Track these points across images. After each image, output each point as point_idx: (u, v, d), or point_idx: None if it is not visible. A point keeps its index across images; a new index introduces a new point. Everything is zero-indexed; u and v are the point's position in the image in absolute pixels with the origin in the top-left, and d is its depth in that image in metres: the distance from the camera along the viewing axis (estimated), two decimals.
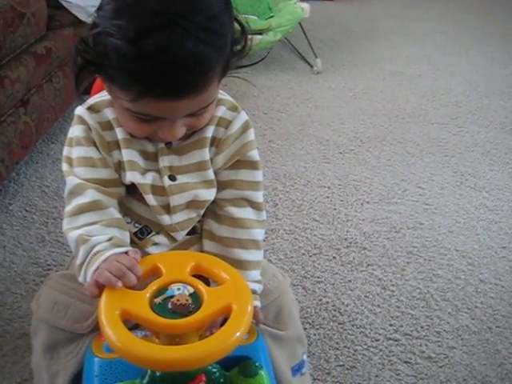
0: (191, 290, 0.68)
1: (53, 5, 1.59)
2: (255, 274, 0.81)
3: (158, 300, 0.66)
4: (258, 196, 0.84)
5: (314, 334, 1.14)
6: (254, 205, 0.83)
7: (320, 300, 1.23)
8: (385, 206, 1.57)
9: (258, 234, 0.83)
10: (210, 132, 0.79)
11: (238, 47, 0.72)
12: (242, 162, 0.82)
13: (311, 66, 2.47)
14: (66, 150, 0.79)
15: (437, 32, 3.03)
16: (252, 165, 0.83)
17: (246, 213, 0.82)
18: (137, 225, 0.82)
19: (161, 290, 0.68)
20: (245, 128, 0.82)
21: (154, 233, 0.82)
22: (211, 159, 0.80)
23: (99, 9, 0.67)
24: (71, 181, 0.77)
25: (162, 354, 0.61)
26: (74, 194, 0.76)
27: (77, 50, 0.69)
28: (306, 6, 2.40)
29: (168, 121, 0.69)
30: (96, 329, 0.78)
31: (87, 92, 0.91)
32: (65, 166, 0.79)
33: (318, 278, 1.29)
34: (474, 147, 1.89)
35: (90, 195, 0.75)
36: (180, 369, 0.62)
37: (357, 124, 2.01)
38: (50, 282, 0.87)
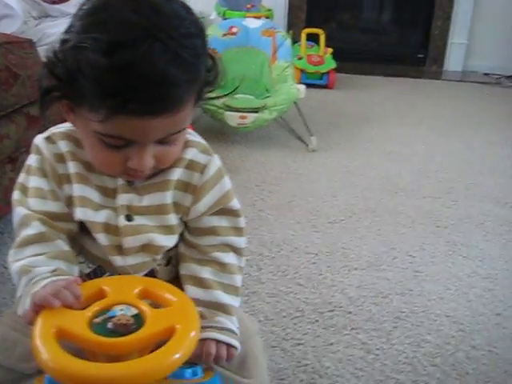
0: (135, 311, 0.64)
1: None
2: (236, 319, 0.78)
3: (98, 320, 0.63)
4: (241, 242, 0.82)
5: None
6: (237, 250, 0.81)
7: (299, 362, 1.16)
8: (373, 272, 1.52)
9: (239, 280, 0.81)
10: (175, 175, 0.77)
11: (210, 77, 0.72)
12: (224, 210, 0.81)
13: (306, 145, 2.51)
14: (21, 177, 0.78)
15: (433, 117, 3.09)
16: (234, 213, 0.81)
17: (230, 258, 0.80)
18: (90, 265, 0.79)
19: (103, 311, 0.64)
20: (220, 174, 0.80)
21: (107, 274, 0.79)
22: (188, 207, 0.78)
23: (69, 27, 0.67)
24: (19, 212, 0.75)
25: (94, 371, 0.57)
26: (22, 226, 0.74)
27: (45, 67, 0.67)
28: (301, 87, 2.48)
29: (138, 147, 0.67)
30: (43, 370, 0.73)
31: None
32: (16, 195, 0.77)
33: (299, 340, 1.23)
34: (467, 219, 1.86)
35: (35, 227, 0.73)
36: None
37: (348, 197, 2.00)
38: (3, 317, 0.84)
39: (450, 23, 4.50)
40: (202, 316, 0.74)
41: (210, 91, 0.74)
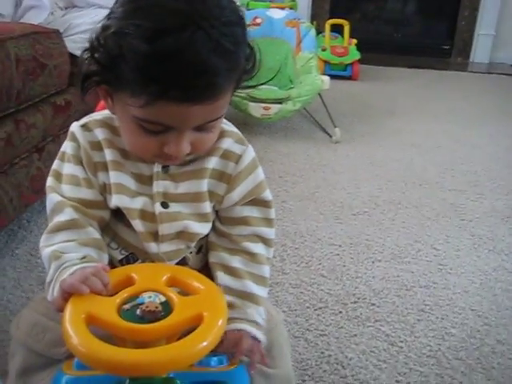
0: (163, 298, 0.65)
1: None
2: (263, 311, 0.78)
3: (127, 306, 0.64)
4: (271, 233, 0.82)
5: None
6: (266, 241, 0.82)
7: (322, 353, 1.16)
8: (397, 264, 1.51)
9: (268, 271, 0.81)
10: (211, 163, 0.77)
11: (249, 65, 0.71)
12: (256, 201, 0.81)
13: (330, 136, 2.50)
14: (56, 164, 0.79)
15: (458, 109, 3.06)
16: (266, 203, 0.82)
17: (259, 248, 0.81)
18: (123, 252, 0.80)
19: (131, 298, 0.65)
20: (254, 165, 0.81)
21: (140, 261, 0.79)
22: (222, 196, 0.79)
23: (111, 13, 0.66)
24: (52, 198, 0.76)
25: (123, 356, 0.58)
26: (55, 212, 0.75)
27: (87, 53, 0.67)
28: (326, 78, 2.46)
29: (175, 133, 0.67)
30: (73, 355, 0.74)
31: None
32: (50, 181, 0.78)
33: (322, 331, 1.23)
34: (492, 213, 1.83)
35: (68, 214, 0.74)
36: (142, 373, 0.58)
37: (372, 188, 1.99)
38: (32, 303, 0.85)
39: (477, 14, 4.44)
40: (232, 305, 0.75)
41: (248, 79, 0.74)
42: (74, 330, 0.60)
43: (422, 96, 3.33)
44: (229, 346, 0.72)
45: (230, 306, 0.75)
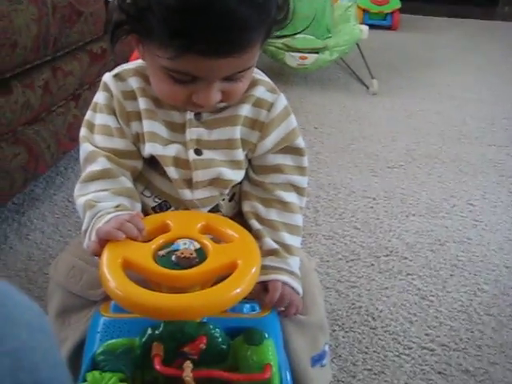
0: (198, 245, 0.66)
1: None
2: (298, 261, 0.78)
3: (162, 252, 0.65)
4: (304, 181, 0.82)
5: (343, 337, 1.08)
6: (299, 190, 0.81)
7: (353, 304, 1.17)
8: (431, 219, 1.49)
9: (301, 220, 0.81)
10: (244, 110, 0.77)
11: (281, 15, 0.69)
12: (289, 148, 0.80)
13: (367, 88, 2.44)
14: (88, 114, 0.79)
15: (501, 62, 2.95)
16: (299, 151, 0.81)
17: (292, 197, 0.80)
18: (156, 199, 0.80)
19: (167, 244, 0.66)
20: (287, 112, 0.80)
21: (173, 208, 0.80)
22: (255, 144, 0.78)
23: None
24: (86, 148, 0.76)
25: (158, 301, 0.59)
26: (88, 161, 0.76)
27: (116, 4, 0.66)
28: (364, 27, 2.39)
29: (204, 83, 0.66)
30: (109, 297, 0.77)
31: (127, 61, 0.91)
32: (83, 131, 0.78)
33: (353, 282, 1.24)
34: None
35: (101, 163, 0.74)
36: (176, 317, 0.59)
37: (409, 142, 1.96)
38: (69, 247, 0.87)
39: None
40: (276, 253, 0.75)
41: (280, 29, 0.72)
42: (111, 275, 0.61)
43: (465, 47, 3.21)
44: (272, 298, 0.72)
45: (274, 252, 0.76)
